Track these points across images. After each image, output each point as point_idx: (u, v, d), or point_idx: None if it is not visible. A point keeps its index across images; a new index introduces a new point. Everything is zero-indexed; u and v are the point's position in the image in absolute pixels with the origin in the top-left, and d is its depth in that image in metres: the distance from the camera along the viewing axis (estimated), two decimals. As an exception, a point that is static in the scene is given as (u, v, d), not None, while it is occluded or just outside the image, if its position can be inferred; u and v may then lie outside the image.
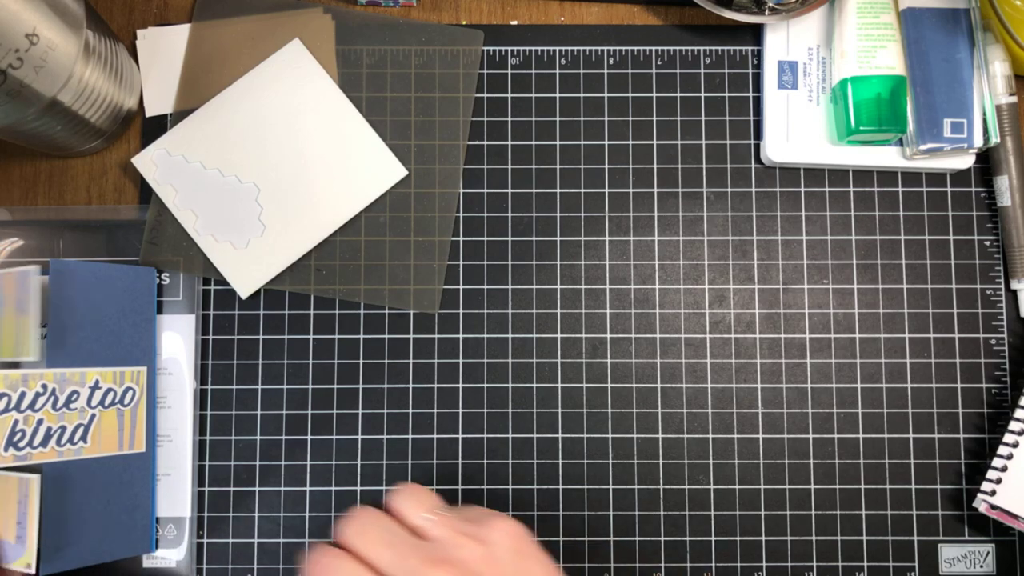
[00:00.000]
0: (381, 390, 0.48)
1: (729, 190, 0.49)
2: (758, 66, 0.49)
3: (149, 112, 0.49)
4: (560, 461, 0.47)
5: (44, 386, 0.38)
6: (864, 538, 0.47)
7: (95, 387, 0.39)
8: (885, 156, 0.48)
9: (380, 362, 0.48)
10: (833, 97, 0.48)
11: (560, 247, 0.48)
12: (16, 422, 0.37)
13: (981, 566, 0.46)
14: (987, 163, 0.48)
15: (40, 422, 0.37)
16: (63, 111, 0.43)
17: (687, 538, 0.47)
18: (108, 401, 0.40)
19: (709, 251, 0.48)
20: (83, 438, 0.39)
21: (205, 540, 0.47)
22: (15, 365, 0.38)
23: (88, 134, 0.46)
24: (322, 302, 0.48)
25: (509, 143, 0.49)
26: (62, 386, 0.38)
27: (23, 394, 0.37)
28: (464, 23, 0.50)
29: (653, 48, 0.50)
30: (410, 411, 0.48)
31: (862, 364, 0.48)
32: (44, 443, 0.37)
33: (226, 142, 0.48)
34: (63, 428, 0.38)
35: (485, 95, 0.49)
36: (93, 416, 0.39)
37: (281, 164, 0.48)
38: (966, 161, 0.47)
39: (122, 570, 0.46)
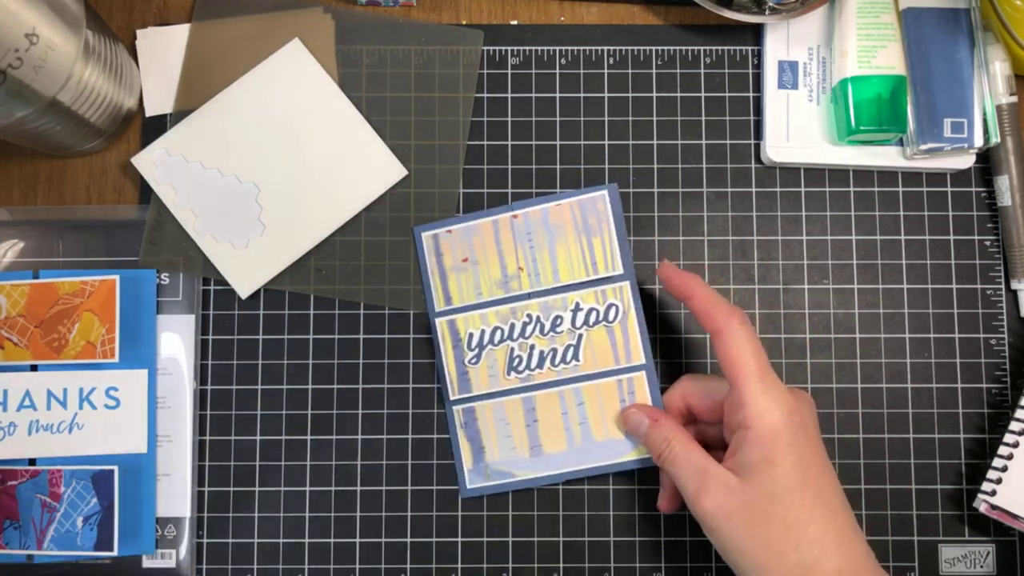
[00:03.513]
0: (381, 390, 0.48)
1: (729, 190, 0.49)
2: (758, 66, 0.49)
3: (149, 112, 0.49)
4: (560, 461, 0.47)
5: (530, 315, 0.45)
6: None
7: (576, 309, 0.45)
8: (885, 156, 0.48)
9: (380, 362, 0.48)
10: (833, 97, 0.48)
11: (560, 247, 0.48)
12: (512, 349, 0.45)
13: (981, 566, 0.46)
14: (987, 163, 0.48)
15: (532, 347, 0.45)
16: (63, 111, 0.43)
17: (687, 538, 0.47)
18: (592, 320, 0.45)
19: (709, 251, 0.48)
20: (575, 357, 0.45)
21: (205, 540, 0.47)
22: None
23: (88, 134, 0.46)
24: (322, 302, 0.48)
25: (509, 143, 0.49)
26: (546, 313, 0.46)
27: (512, 325, 0.45)
28: (464, 23, 0.50)
29: (653, 48, 0.50)
30: (410, 411, 0.48)
31: (862, 364, 0.48)
32: (540, 365, 0.45)
33: (226, 142, 0.48)
34: (554, 350, 0.45)
35: (485, 95, 0.49)
36: (580, 335, 0.45)
37: (281, 164, 0.48)
38: (966, 161, 0.47)
39: (122, 570, 0.46)
